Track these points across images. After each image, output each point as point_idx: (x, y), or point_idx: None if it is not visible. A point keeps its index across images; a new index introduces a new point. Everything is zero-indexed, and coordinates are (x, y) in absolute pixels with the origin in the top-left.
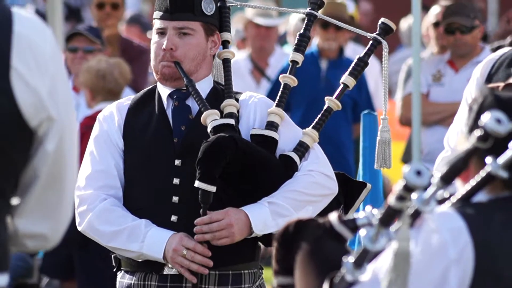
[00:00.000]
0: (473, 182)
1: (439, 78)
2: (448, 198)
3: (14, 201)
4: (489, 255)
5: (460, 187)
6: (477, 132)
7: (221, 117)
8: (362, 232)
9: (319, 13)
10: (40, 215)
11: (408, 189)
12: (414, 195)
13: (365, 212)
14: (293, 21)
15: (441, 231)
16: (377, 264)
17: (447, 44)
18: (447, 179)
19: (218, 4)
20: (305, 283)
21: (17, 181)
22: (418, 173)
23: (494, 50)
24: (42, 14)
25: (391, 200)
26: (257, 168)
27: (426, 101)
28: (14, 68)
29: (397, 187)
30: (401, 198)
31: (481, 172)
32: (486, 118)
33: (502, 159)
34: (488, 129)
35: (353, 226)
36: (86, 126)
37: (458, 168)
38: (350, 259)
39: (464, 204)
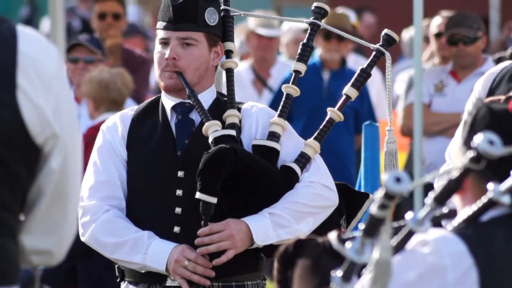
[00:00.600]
0: (474, 207)
1: (441, 89)
2: (447, 214)
3: (20, 217)
4: (495, 275)
5: (457, 203)
6: (470, 153)
7: (223, 127)
8: (348, 244)
9: (323, 23)
10: (45, 231)
11: (389, 196)
12: (408, 215)
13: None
14: (285, 30)
15: (441, 255)
16: (365, 278)
17: (450, 55)
18: (441, 199)
19: (222, 14)
20: None
21: (24, 198)
22: (398, 179)
23: (496, 61)
24: (85, 21)
25: (373, 209)
26: (258, 179)
27: (428, 111)
28: (20, 87)
29: (378, 195)
30: (382, 206)
31: (482, 198)
32: (479, 139)
33: (504, 185)
34: (481, 150)
35: None
36: (90, 137)
37: (452, 189)
38: (338, 272)
39: (466, 226)
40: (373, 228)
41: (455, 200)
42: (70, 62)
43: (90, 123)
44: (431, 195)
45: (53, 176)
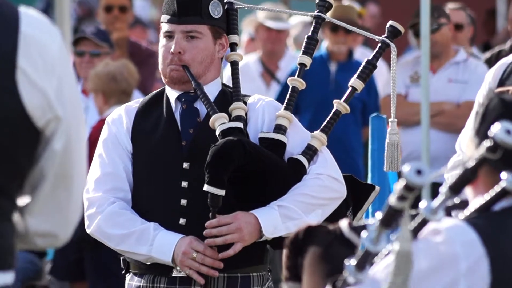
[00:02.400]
0: (487, 196)
1: (417, 79)
2: (458, 205)
3: (25, 199)
4: (506, 265)
5: (469, 194)
6: (486, 143)
7: (229, 120)
8: (364, 233)
9: (327, 16)
10: (50, 213)
11: (409, 188)
12: (422, 204)
13: (375, 219)
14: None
15: (453, 244)
16: (378, 267)
17: (418, 46)
18: (456, 189)
19: (226, 7)
20: (312, 285)
21: (22, 181)
22: (419, 172)
23: (496, 55)
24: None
25: (392, 200)
26: (265, 171)
27: (405, 102)
28: (21, 68)
29: (398, 186)
30: (401, 198)
31: (495, 187)
32: (496, 128)
33: None
34: (498, 139)
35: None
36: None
37: (467, 178)
38: (352, 261)
39: (478, 215)
40: (390, 218)
41: (467, 191)
42: (76, 55)
43: (97, 118)
44: (446, 184)
45: (56, 158)
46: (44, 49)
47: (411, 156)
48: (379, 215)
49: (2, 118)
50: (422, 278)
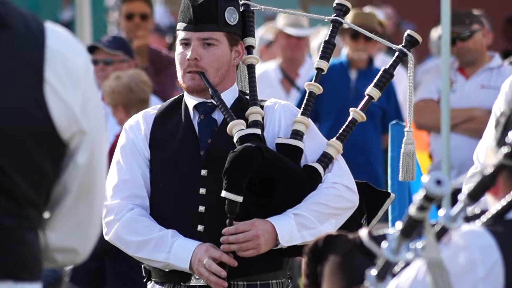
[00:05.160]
0: (503, 202)
1: (450, 85)
2: (479, 215)
3: (45, 214)
4: None
5: (490, 202)
6: (505, 149)
7: (246, 124)
8: (384, 244)
9: (346, 21)
10: (70, 229)
11: (429, 198)
12: (441, 212)
13: (395, 228)
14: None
15: (470, 249)
16: (401, 279)
17: (453, 54)
18: (474, 196)
19: (242, 9)
20: None
21: (49, 194)
22: (438, 182)
23: None
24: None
25: (412, 210)
26: (282, 178)
27: (437, 107)
28: (48, 82)
29: (417, 197)
30: (421, 208)
31: (507, 197)
32: None
33: None
34: None
35: (383, 242)
36: None
37: (486, 185)
38: (372, 271)
39: (494, 222)
40: (410, 228)
41: (488, 200)
42: (93, 64)
43: (118, 129)
44: (465, 191)
45: (79, 172)
46: (70, 64)
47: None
48: (399, 225)
49: (31, 130)
50: None
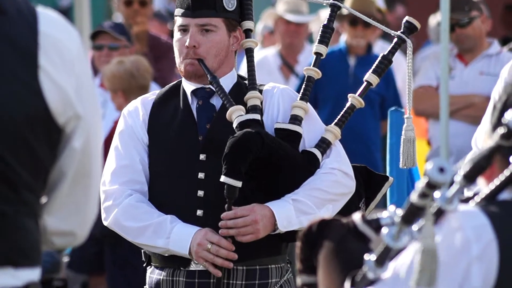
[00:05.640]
0: (497, 181)
1: (449, 71)
2: (472, 197)
3: (43, 199)
4: None
5: (484, 186)
6: (501, 130)
7: (245, 109)
8: (384, 230)
9: (346, 6)
10: (68, 212)
11: (431, 186)
12: (437, 194)
13: (389, 212)
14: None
15: (464, 229)
16: (398, 262)
17: (452, 41)
18: (470, 178)
19: None
20: (328, 281)
21: (46, 179)
22: (441, 170)
23: None
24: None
25: (414, 197)
26: (281, 164)
27: (436, 93)
28: (42, 67)
29: (420, 184)
30: (423, 195)
31: (505, 172)
32: (510, 115)
33: None
34: None
35: (377, 226)
36: None
37: (481, 166)
38: (371, 257)
39: (488, 203)
40: (412, 215)
41: (482, 185)
42: (95, 49)
43: (118, 114)
44: (461, 172)
45: (75, 156)
46: (63, 49)
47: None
48: (392, 208)
49: (27, 114)
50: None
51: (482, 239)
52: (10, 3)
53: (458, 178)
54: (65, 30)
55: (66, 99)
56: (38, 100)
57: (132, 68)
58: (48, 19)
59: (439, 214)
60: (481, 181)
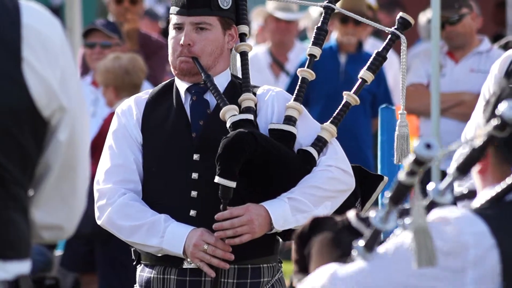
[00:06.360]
0: (498, 188)
1: (440, 69)
2: (467, 195)
3: (30, 192)
4: None
5: (477, 181)
6: (494, 121)
7: (239, 111)
8: (372, 213)
9: (337, 7)
10: (55, 205)
11: (418, 162)
12: (430, 186)
13: (383, 209)
14: (314, 16)
15: (462, 234)
16: (387, 245)
17: (442, 38)
18: (463, 169)
19: None
20: (321, 264)
21: (32, 172)
22: (428, 146)
23: (504, 46)
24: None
25: (401, 176)
26: (276, 163)
27: (427, 91)
28: (26, 59)
29: (407, 161)
30: (411, 173)
31: (507, 180)
32: (503, 106)
33: None
34: (506, 117)
35: (370, 224)
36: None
37: (474, 157)
38: (360, 242)
39: (490, 205)
40: (400, 195)
41: (476, 181)
42: (87, 47)
43: (108, 110)
44: (454, 164)
45: (61, 149)
46: (47, 41)
47: None
48: (388, 194)
49: (11, 108)
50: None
51: (481, 246)
52: None
53: (451, 170)
54: (48, 23)
55: (50, 92)
56: (22, 92)
57: (127, 65)
58: (31, 12)
59: (432, 206)
60: (475, 176)
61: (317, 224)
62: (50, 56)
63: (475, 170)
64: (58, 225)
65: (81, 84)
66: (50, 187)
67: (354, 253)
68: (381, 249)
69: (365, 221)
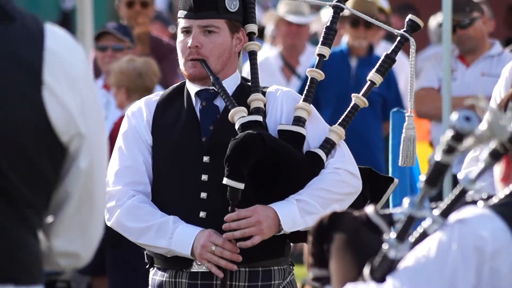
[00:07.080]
0: None
1: (451, 73)
2: (486, 199)
3: (48, 219)
4: None
5: (498, 186)
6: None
7: (248, 111)
8: (406, 200)
9: (346, 5)
10: (73, 233)
11: (458, 137)
12: (460, 175)
13: (402, 208)
14: (325, 20)
15: (480, 230)
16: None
17: (453, 42)
18: (496, 156)
19: None
20: (342, 272)
21: (49, 198)
22: (467, 118)
23: None
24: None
25: (438, 155)
26: (284, 165)
27: (438, 95)
28: (46, 84)
29: (444, 138)
30: (449, 150)
31: None
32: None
33: None
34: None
35: (390, 221)
36: None
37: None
38: (392, 234)
39: (500, 204)
40: (437, 175)
41: (497, 186)
42: (99, 50)
43: (118, 113)
44: (486, 152)
45: (81, 176)
46: (68, 66)
47: None
48: (406, 203)
49: (30, 132)
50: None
51: (498, 241)
52: (19, 14)
53: (484, 156)
54: (71, 48)
55: (69, 117)
56: (41, 116)
57: (141, 68)
58: (55, 36)
59: (462, 195)
60: (498, 185)
61: (336, 219)
62: (71, 82)
63: (497, 178)
64: (75, 253)
65: (102, 111)
66: (69, 215)
67: (385, 246)
68: (411, 255)
69: (384, 217)
